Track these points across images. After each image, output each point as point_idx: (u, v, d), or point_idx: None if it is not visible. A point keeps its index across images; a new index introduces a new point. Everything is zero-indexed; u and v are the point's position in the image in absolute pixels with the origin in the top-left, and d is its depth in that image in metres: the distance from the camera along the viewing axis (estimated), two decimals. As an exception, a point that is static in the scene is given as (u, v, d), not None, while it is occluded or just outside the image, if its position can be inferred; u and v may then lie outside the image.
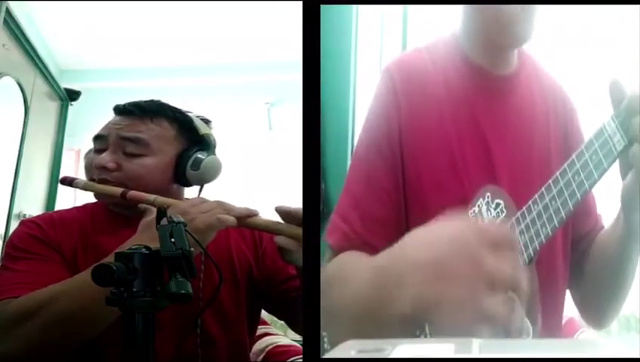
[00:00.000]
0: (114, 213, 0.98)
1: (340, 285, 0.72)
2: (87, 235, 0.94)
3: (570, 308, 0.91)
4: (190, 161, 0.97)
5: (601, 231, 0.88)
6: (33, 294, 0.80)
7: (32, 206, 2.59)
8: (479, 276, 0.51)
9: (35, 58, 2.57)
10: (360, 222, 0.82)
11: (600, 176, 0.67)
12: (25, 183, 2.49)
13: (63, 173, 2.90)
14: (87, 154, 1.01)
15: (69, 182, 0.97)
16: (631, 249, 0.76)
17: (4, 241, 2.30)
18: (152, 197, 0.88)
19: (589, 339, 0.96)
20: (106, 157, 0.94)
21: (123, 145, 0.94)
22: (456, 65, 0.85)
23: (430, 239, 0.57)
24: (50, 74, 2.76)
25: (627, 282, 0.81)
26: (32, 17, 2.62)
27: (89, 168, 0.97)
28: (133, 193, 0.90)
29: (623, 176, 0.69)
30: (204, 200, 0.86)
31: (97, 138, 0.98)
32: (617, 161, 0.67)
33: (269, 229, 0.86)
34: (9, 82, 2.37)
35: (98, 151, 0.96)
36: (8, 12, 2.16)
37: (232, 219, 0.83)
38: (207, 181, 1.00)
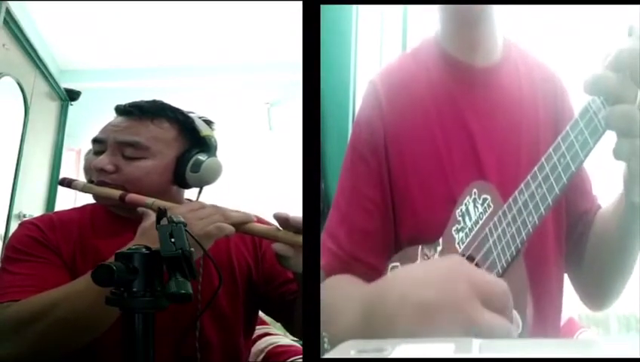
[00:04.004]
0: (113, 215, 0.98)
1: (329, 313, 0.71)
2: (86, 238, 0.94)
3: (569, 308, 0.90)
4: (190, 163, 0.96)
5: (598, 211, 0.86)
6: (33, 299, 0.80)
7: (32, 206, 2.59)
8: (466, 327, 0.50)
9: (35, 58, 2.57)
10: (347, 238, 0.82)
11: (586, 156, 0.64)
12: (25, 183, 2.49)
13: (62, 173, 2.91)
14: (86, 155, 1.00)
15: (67, 183, 0.96)
16: (633, 230, 0.75)
17: (4, 242, 2.30)
18: (150, 200, 0.87)
19: (588, 339, 0.96)
20: (104, 160, 0.93)
21: (121, 148, 0.94)
22: (438, 64, 0.85)
23: (422, 280, 0.56)
24: (50, 74, 2.76)
25: (630, 262, 0.79)
26: (32, 17, 2.62)
27: (88, 170, 0.97)
28: (131, 196, 0.89)
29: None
30: (202, 206, 0.85)
31: (96, 141, 0.97)
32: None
33: (268, 236, 0.86)
34: (9, 82, 2.37)
35: (97, 153, 0.96)
36: (8, 12, 2.17)
37: (230, 228, 0.82)
38: (207, 183, 0.99)
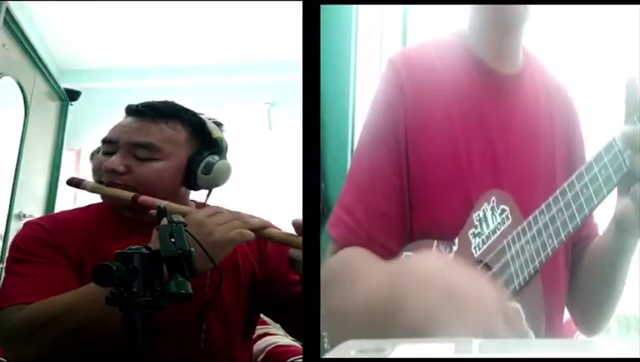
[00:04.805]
0: (121, 216, 0.97)
1: (348, 284, 0.71)
2: (94, 239, 0.93)
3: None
4: (202, 165, 0.95)
5: (595, 238, 0.88)
6: (46, 303, 0.80)
7: (32, 206, 2.59)
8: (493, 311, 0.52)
9: (35, 58, 2.57)
10: (364, 215, 0.81)
11: (609, 192, 0.66)
12: (25, 183, 2.49)
13: (63, 173, 2.91)
14: (94, 155, 0.99)
15: (76, 183, 0.94)
16: (620, 266, 0.77)
17: (4, 241, 2.29)
18: (163, 203, 0.86)
19: (589, 339, 0.96)
20: (115, 161, 0.92)
21: (134, 149, 0.93)
22: (464, 63, 0.84)
23: (440, 269, 0.59)
24: (50, 74, 2.76)
25: (614, 293, 0.81)
26: (32, 17, 2.63)
27: (97, 170, 0.95)
28: (144, 198, 0.88)
29: (621, 190, 0.69)
30: (218, 211, 0.85)
31: (107, 141, 0.96)
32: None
33: (285, 241, 0.85)
34: (9, 82, 2.37)
35: (107, 153, 0.95)
36: (8, 12, 2.17)
37: (251, 234, 0.82)
38: (217, 185, 0.99)
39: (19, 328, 0.80)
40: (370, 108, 0.87)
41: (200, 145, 0.98)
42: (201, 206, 0.98)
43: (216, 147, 0.99)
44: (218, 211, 0.84)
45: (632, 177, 0.65)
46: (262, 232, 0.85)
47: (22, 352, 0.79)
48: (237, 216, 0.84)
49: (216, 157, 0.97)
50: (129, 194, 0.89)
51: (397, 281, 0.62)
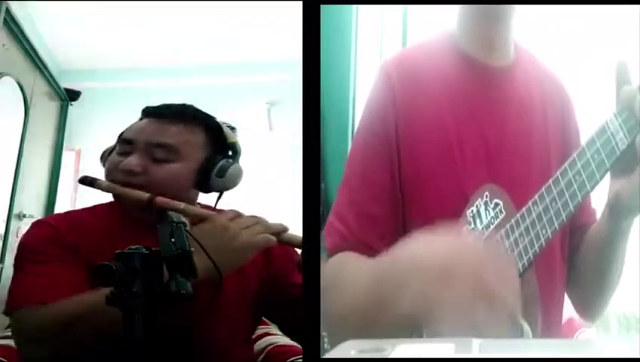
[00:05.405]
0: (132, 216, 0.95)
1: (337, 289, 0.72)
2: (105, 239, 0.91)
3: (569, 308, 0.91)
4: (216, 168, 0.96)
5: (592, 226, 0.88)
6: (67, 304, 0.79)
7: (32, 206, 2.59)
8: (478, 291, 0.52)
9: (35, 58, 2.57)
10: (356, 221, 0.82)
11: (602, 177, 0.66)
12: (25, 183, 2.49)
13: (63, 174, 2.91)
14: (107, 155, 0.97)
15: (89, 182, 0.93)
16: (615, 249, 0.77)
17: (4, 241, 2.29)
18: (181, 205, 0.86)
19: (589, 339, 0.97)
20: (133, 161, 0.92)
21: (151, 150, 0.93)
22: (453, 60, 0.85)
23: (433, 248, 0.59)
24: (50, 74, 2.76)
25: (611, 279, 0.81)
26: (32, 17, 2.63)
27: (112, 169, 0.95)
28: (161, 199, 0.87)
29: (614, 174, 0.69)
30: (238, 214, 0.85)
31: (123, 141, 0.95)
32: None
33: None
34: (9, 82, 2.37)
35: (122, 153, 0.94)
36: (8, 12, 2.17)
37: (274, 239, 0.83)
38: (229, 188, 0.99)
39: (40, 329, 0.79)
40: (362, 114, 0.88)
41: (214, 148, 0.99)
42: (207, 208, 0.98)
43: (232, 151, 1.00)
44: (238, 215, 0.85)
45: (625, 160, 0.65)
46: (281, 236, 0.85)
47: (41, 353, 0.79)
48: (258, 220, 0.84)
49: (231, 161, 0.98)
50: (144, 195, 0.88)
51: (383, 275, 0.62)
